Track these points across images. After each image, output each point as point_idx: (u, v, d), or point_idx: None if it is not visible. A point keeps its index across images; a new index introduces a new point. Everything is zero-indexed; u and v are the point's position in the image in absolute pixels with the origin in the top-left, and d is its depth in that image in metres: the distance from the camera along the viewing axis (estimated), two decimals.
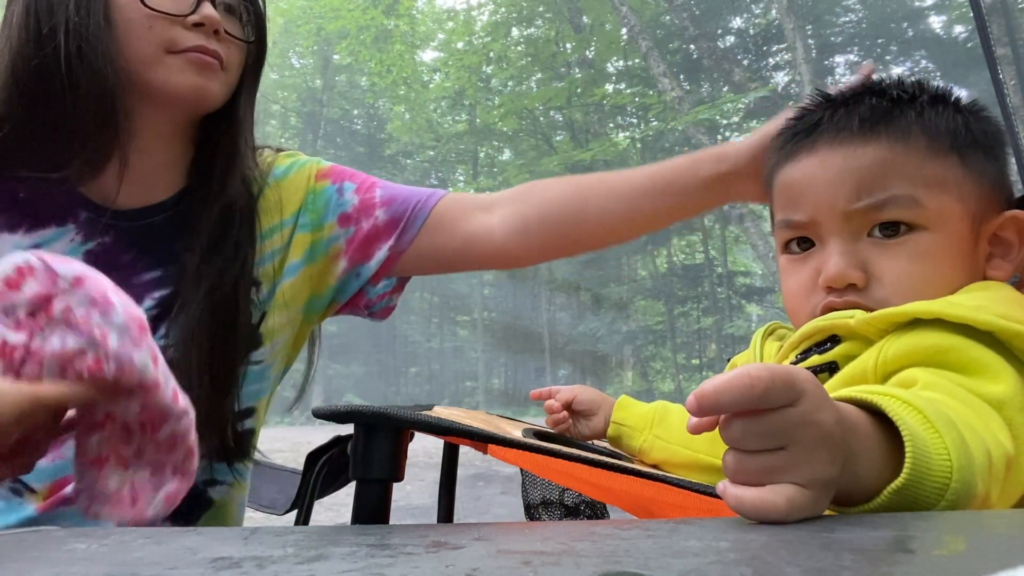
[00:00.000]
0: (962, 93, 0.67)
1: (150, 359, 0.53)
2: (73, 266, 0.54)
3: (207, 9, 0.79)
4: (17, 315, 0.53)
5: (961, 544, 0.27)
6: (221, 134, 0.86)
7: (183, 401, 0.55)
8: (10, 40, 0.77)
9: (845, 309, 0.62)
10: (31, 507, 0.74)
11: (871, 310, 0.60)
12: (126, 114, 0.80)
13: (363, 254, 0.93)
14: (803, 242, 0.68)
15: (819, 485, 0.36)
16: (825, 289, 0.64)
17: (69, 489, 0.74)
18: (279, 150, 0.98)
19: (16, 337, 0.52)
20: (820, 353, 0.62)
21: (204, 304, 0.79)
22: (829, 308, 0.63)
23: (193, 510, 0.84)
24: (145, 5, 0.76)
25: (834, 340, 0.62)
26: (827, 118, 0.66)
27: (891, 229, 0.62)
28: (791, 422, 0.35)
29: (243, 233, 0.85)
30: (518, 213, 0.92)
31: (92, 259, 0.80)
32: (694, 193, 0.86)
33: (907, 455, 0.38)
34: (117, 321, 0.53)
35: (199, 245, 0.82)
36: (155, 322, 0.79)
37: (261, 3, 0.88)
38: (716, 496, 0.39)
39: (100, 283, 0.54)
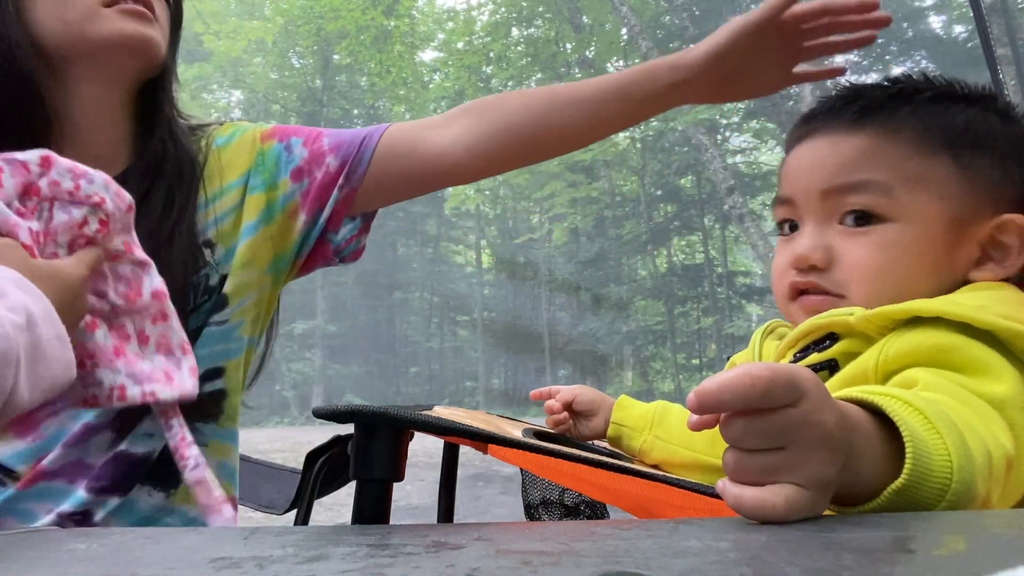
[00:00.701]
0: (991, 93, 0.68)
1: (131, 218, 0.62)
2: (31, 152, 0.59)
3: None
4: (15, 207, 0.56)
5: (961, 544, 0.27)
6: (159, 103, 0.88)
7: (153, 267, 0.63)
8: None
9: (807, 289, 0.65)
10: (11, 489, 0.75)
11: (828, 293, 0.63)
12: (66, 91, 0.82)
13: (319, 203, 0.93)
14: (793, 226, 0.70)
15: (818, 486, 0.36)
16: (794, 269, 0.66)
17: (48, 462, 0.75)
18: (221, 124, 0.99)
19: (36, 224, 0.56)
20: (819, 351, 0.62)
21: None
22: (794, 288, 0.66)
23: (174, 474, 0.82)
24: None
25: (832, 338, 0.62)
26: (826, 109, 0.69)
27: (862, 219, 0.63)
28: (792, 422, 0.35)
29: (176, 195, 0.86)
30: (477, 125, 0.93)
31: None
32: (652, 100, 0.90)
33: (908, 456, 0.38)
34: (99, 180, 0.61)
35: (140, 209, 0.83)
36: None
37: None
38: (716, 496, 0.39)
39: (62, 158, 0.60)
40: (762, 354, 0.74)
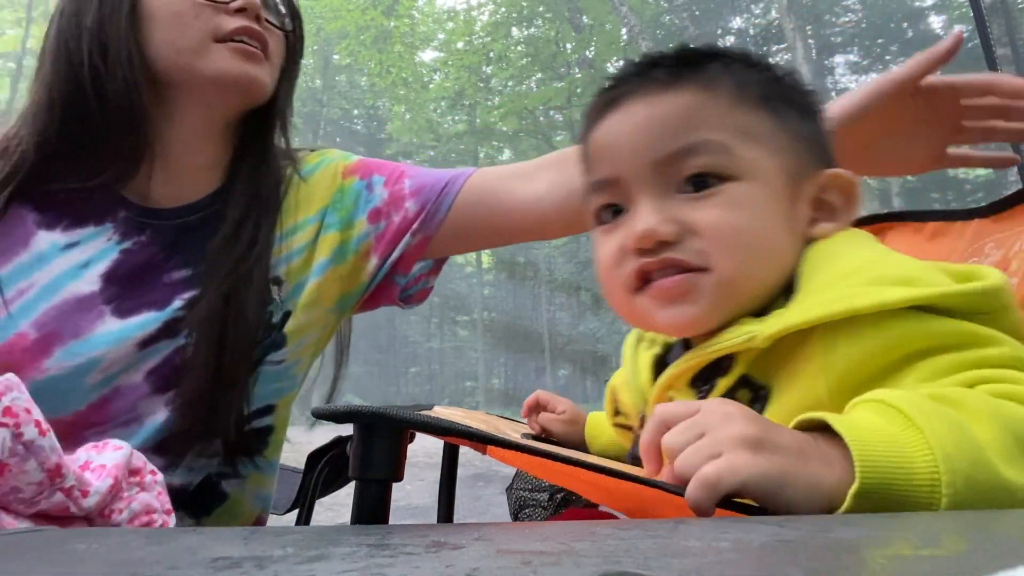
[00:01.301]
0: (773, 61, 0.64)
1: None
2: None
3: None
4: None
5: (961, 544, 0.27)
6: (258, 132, 0.87)
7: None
8: (44, 68, 0.79)
9: (662, 270, 0.57)
10: None
11: (688, 267, 0.56)
12: (167, 114, 0.81)
13: (393, 246, 0.91)
14: (614, 211, 0.62)
15: (746, 444, 0.39)
16: (636, 252, 0.58)
17: None
18: (312, 150, 0.98)
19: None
20: (724, 375, 0.56)
21: (216, 298, 0.79)
22: (643, 272, 0.58)
23: (207, 503, 0.84)
24: None
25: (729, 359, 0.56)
26: (632, 73, 0.62)
27: (702, 183, 0.57)
28: (699, 409, 0.43)
29: (262, 229, 0.84)
30: (568, 180, 0.87)
31: (127, 256, 0.81)
32: None
33: (855, 459, 0.38)
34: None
35: (219, 238, 0.82)
36: (180, 323, 0.80)
37: None
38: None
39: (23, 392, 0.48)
40: (639, 366, 0.69)
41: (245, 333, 0.80)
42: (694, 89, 0.58)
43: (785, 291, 0.57)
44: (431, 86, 19.77)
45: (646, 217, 0.57)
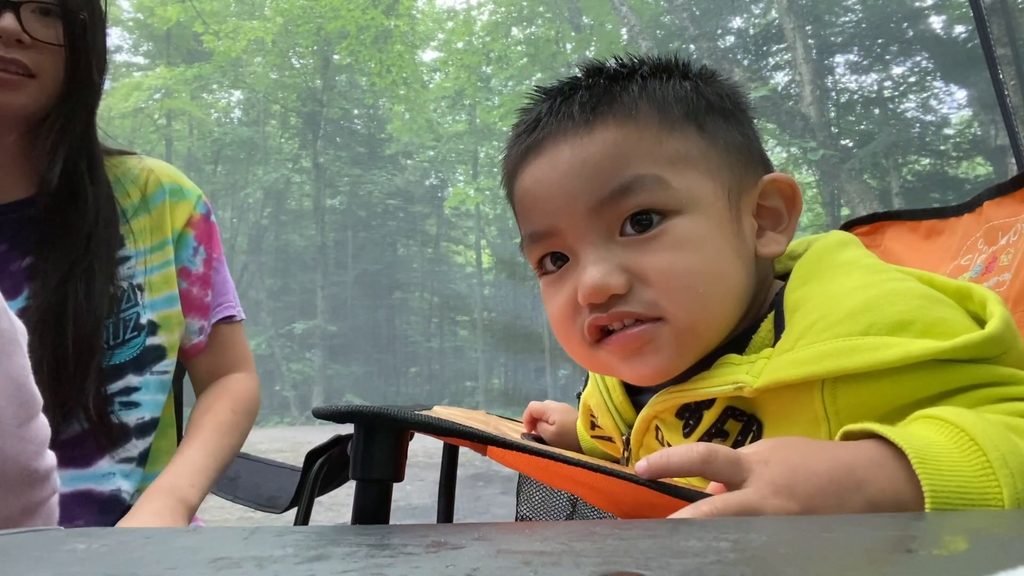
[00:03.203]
0: (688, 60, 0.61)
1: None
2: None
3: (5, 21, 0.81)
4: None
5: (961, 544, 0.27)
6: (57, 134, 0.89)
7: None
8: None
9: (613, 324, 0.55)
10: None
11: (642, 319, 0.54)
12: None
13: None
14: (557, 258, 0.59)
15: (776, 488, 0.39)
16: (587, 306, 0.56)
17: None
18: (129, 153, 1.03)
19: None
20: (709, 408, 0.55)
21: (53, 295, 0.85)
22: (595, 327, 0.56)
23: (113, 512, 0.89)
24: None
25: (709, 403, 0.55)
26: (546, 112, 0.58)
27: (644, 222, 0.54)
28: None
29: (101, 232, 0.91)
30: None
31: None
32: None
33: (924, 487, 0.38)
34: None
35: (50, 238, 0.88)
36: (30, 313, 0.86)
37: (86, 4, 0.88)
38: None
39: None
40: (607, 383, 0.68)
41: (88, 323, 0.87)
42: (615, 123, 0.55)
43: (768, 306, 0.56)
44: (431, 86, 19.75)
45: (592, 271, 0.54)
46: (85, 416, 0.86)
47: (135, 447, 0.93)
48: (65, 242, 0.88)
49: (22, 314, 0.85)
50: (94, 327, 0.87)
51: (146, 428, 0.94)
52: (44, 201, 0.89)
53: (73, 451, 0.86)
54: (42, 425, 0.49)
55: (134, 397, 0.93)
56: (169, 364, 0.96)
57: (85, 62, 0.90)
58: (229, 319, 1.06)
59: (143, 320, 0.94)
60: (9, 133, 0.89)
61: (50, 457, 0.51)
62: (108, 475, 0.88)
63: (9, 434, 0.45)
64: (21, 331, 0.47)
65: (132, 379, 0.92)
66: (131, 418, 0.92)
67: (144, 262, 0.96)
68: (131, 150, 1.04)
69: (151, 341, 0.94)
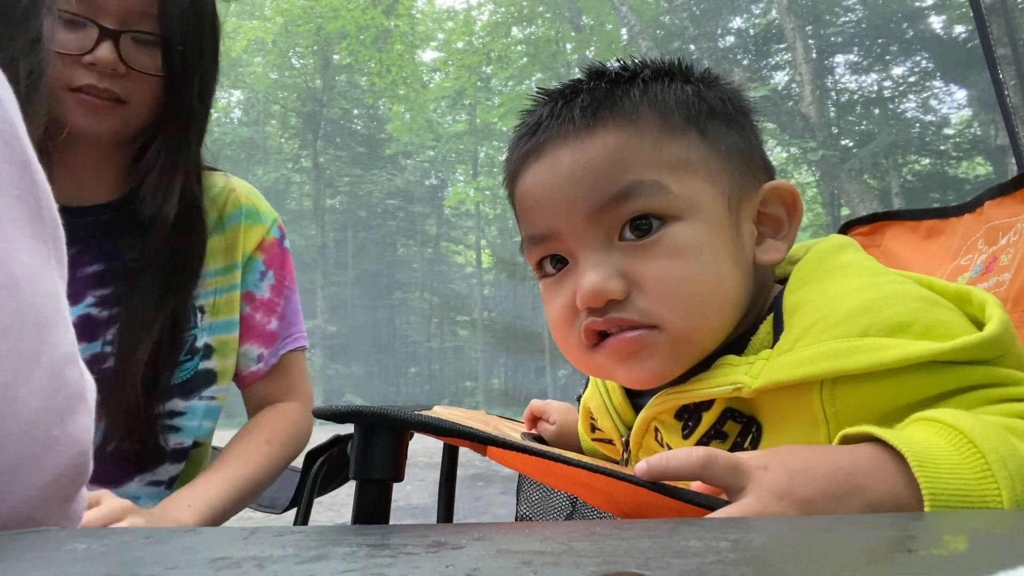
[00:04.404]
0: (690, 64, 0.60)
1: None
2: None
3: (102, 51, 0.81)
4: None
5: (961, 544, 0.27)
6: (153, 152, 0.90)
7: None
8: None
9: (608, 328, 0.55)
10: None
11: (638, 325, 0.54)
12: (58, 128, 0.85)
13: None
14: (556, 260, 0.60)
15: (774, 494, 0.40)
16: (585, 309, 0.56)
17: None
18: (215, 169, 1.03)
19: None
20: (708, 409, 0.55)
21: (151, 318, 0.86)
22: (593, 330, 0.56)
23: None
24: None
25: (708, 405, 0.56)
26: (547, 115, 0.58)
27: (643, 227, 0.54)
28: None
29: (192, 258, 0.91)
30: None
31: None
32: None
33: (923, 489, 0.38)
34: None
35: (149, 260, 0.88)
36: (96, 324, 0.86)
37: (192, 30, 0.88)
38: (712, 507, 0.41)
39: None
40: (607, 385, 0.68)
41: (175, 349, 0.88)
42: (616, 127, 0.55)
43: (768, 309, 0.56)
44: (431, 86, 19.75)
45: (591, 275, 0.54)
46: (128, 437, 0.85)
47: (166, 471, 0.92)
48: (161, 259, 0.88)
49: (85, 321, 0.85)
50: (171, 348, 0.87)
51: (183, 453, 0.93)
52: (138, 206, 0.89)
53: (103, 467, 0.85)
54: (82, 498, 0.43)
55: (176, 421, 0.91)
56: (218, 390, 0.94)
57: (187, 87, 0.89)
58: (299, 349, 1.05)
59: (199, 343, 0.92)
60: (98, 149, 0.90)
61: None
62: (134, 498, 0.84)
63: (52, 510, 0.38)
64: (90, 388, 0.42)
65: (178, 403, 0.91)
66: (169, 442, 0.91)
67: (210, 284, 0.95)
68: (218, 167, 1.03)
69: (204, 365, 0.93)
